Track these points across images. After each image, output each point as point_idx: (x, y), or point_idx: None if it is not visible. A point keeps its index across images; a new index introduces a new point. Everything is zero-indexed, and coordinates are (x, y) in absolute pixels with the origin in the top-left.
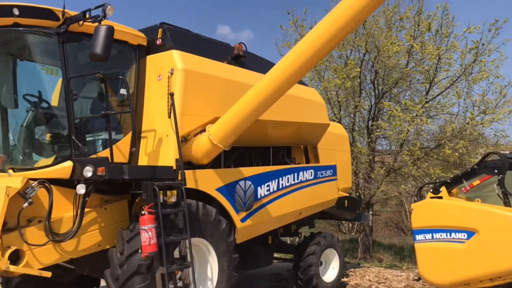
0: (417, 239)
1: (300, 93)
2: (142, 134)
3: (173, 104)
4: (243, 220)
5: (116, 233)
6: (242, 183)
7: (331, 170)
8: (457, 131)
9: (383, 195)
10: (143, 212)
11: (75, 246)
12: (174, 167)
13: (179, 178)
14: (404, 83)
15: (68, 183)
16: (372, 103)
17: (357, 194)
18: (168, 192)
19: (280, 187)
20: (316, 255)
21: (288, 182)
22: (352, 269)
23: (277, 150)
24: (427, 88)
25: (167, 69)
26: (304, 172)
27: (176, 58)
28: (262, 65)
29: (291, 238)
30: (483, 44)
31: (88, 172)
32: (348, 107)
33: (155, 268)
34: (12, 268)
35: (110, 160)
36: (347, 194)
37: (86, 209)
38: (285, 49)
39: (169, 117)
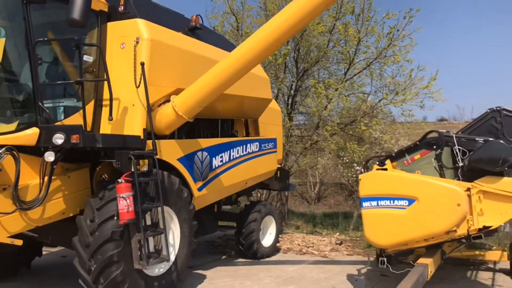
0: (364, 206)
1: None
2: (104, 103)
3: (143, 74)
4: (200, 189)
5: (78, 201)
6: (200, 153)
7: (273, 143)
8: (368, 109)
9: (298, 167)
10: (119, 180)
11: (41, 214)
12: (142, 137)
13: (147, 148)
14: (325, 62)
15: (30, 150)
16: (294, 79)
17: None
18: (141, 161)
19: (231, 158)
20: (257, 222)
21: (238, 153)
22: (280, 236)
23: (224, 122)
24: (346, 69)
25: (131, 38)
26: (251, 144)
27: (141, 27)
28: (215, 39)
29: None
30: (397, 30)
31: (58, 139)
32: (274, 83)
33: (131, 234)
34: None
35: (83, 128)
36: (279, 165)
37: (47, 178)
38: (214, 21)
39: (137, 86)
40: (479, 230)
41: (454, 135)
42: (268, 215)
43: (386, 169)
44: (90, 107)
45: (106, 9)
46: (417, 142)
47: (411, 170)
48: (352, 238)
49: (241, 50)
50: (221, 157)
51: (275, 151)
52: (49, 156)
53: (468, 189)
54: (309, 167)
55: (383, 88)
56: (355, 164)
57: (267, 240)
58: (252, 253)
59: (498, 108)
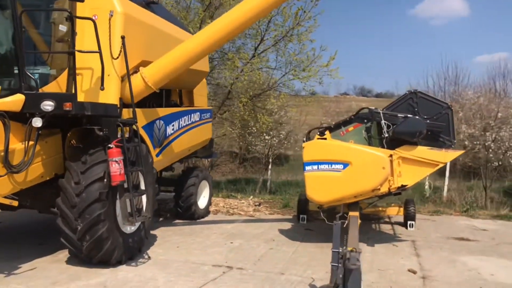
0: (307, 169)
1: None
2: (76, 72)
3: (124, 47)
4: (157, 155)
5: (54, 165)
6: (158, 122)
7: (209, 114)
8: (273, 83)
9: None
10: (110, 145)
11: (24, 177)
12: (118, 105)
13: (123, 116)
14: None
15: (11, 116)
16: None
17: None
18: (124, 128)
19: (180, 126)
20: (195, 186)
21: (185, 122)
22: None
23: (166, 93)
24: (257, 44)
25: (104, 10)
26: (194, 114)
27: (114, 1)
28: (166, 15)
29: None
30: (304, 12)
31: (48, 106)
32: None
33: (119, 195)
34: None
35: (75, 96)
36: None
37: (30, 142)
38: None
39: (115, 58)
40: (398, 188)
41: (381, 111)
42: (204, 180)
43: (325, 139)
44: (64, 76)
45: None
46: (352, 117)
47: (345, 139)
48: (266, 200)
49: (213, 28)
50: (173, 125)
51: (211, 121)
52: (37, 122)
53: (391, 156)
54: (221, 136)
55: (287, 65)
56: (264, 134)
57: (202, 202)
58: (190, 214)
59: (414, 91)
